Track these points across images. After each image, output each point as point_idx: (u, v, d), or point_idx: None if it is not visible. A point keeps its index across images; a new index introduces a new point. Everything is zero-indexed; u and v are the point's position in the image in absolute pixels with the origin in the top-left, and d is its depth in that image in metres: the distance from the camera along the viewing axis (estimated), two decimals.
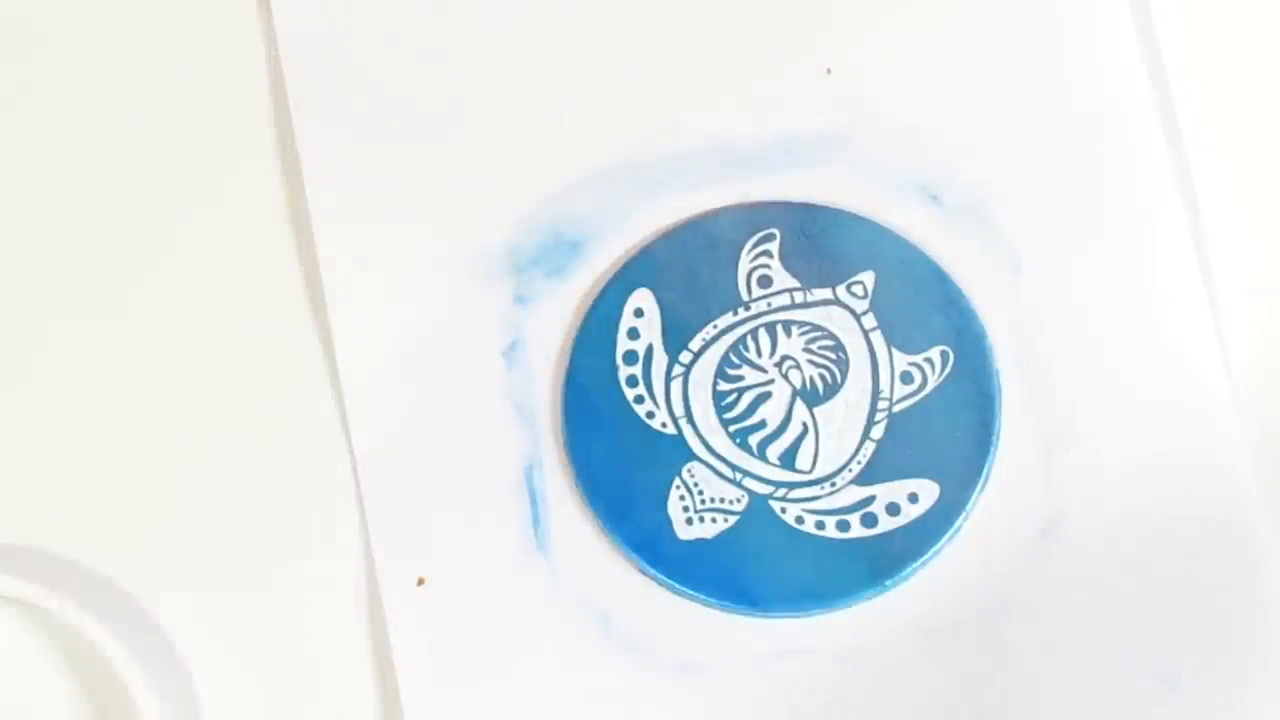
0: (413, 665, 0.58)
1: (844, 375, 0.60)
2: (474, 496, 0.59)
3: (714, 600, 0.59)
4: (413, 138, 0.61)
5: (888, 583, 0.59)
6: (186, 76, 0.62)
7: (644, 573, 0.59)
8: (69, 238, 0.61)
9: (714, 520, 0.59)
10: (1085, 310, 0.61)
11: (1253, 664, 0.58)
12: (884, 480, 0.59)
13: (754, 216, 0.61)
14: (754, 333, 0.60)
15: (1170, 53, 0.62)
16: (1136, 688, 0.58)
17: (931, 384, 0.60)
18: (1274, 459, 0.60)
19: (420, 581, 0.59)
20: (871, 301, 0.60)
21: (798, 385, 0.60)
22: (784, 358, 0.60)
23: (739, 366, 0.60)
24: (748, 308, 0.60)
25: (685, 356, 0.60)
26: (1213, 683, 0.58)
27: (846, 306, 0.60)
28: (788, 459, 0.59)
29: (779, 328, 0.60)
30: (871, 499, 0.59)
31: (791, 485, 0.59)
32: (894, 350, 0.60)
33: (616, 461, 0.59)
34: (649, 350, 0.60)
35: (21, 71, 0.62)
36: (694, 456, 0.59)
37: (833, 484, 0.59)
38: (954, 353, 0.60)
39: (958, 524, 0.59)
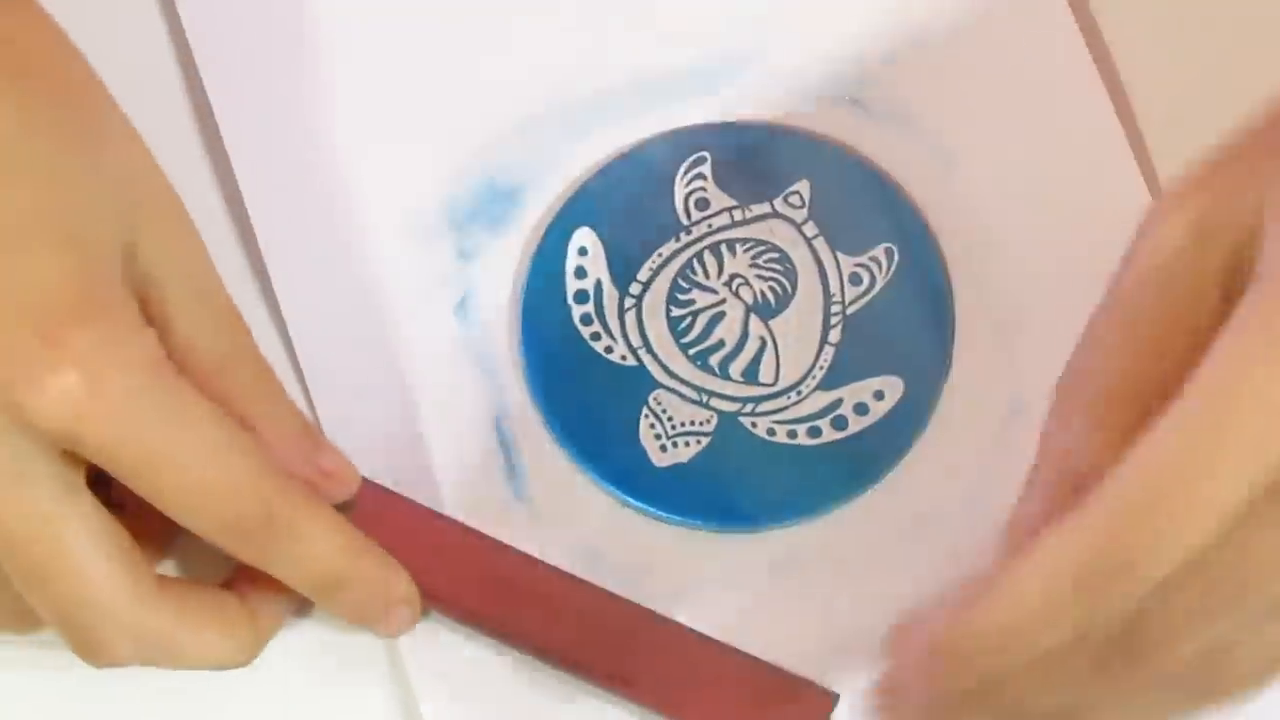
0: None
1: (794, 285, 0.60)
2: (445, 455, 0.59)
3: (699, 522, 0.59)
4: (331, 101, 0.61)
5: (866, 481, 0.59)
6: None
7: (627, 505, 0.59)
8: None
9: (687, 444, 0.59)
10: (1021, 192, 0.61)
11: None
12: (848, 382, 0.60)
13: (681, 142, 0.61)
14: (699, 256, 0.60)
15: None
16: None
17: (881, 282, 0.60)
18: None
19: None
20: (810, 210, 0.61)
21: (750, 301, 0.60)
22: (732, 276, 0.60)
23: (689, 291, 0.60)
24: (689, 232, 0.61)
25: (635, 288, 0.60)
26: None
27: (786, 218, 0.61)
28: (750, 374, 0.60)
29: (723, 247, 0.61)
30: (839, 402, 0.59)
31: (758, 399, 0.59)
32: (839, 254, 0.61)
33: (583, 400, 0.59)
34: (598, 286, 0.60)
35: None
36: (658, 385, 0.60)
37: (798, 392, 0.60)
38: (898, 249, 0.61)
39: (926, 415, 0.59)
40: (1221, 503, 0.44)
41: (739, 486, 0.59)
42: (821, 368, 0.60)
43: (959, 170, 0.61)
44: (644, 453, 0.59)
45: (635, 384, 0.59)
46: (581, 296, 0.60)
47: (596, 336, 0.60)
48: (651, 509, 0.59)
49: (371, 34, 0.62)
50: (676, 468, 0.59)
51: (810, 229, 0.61)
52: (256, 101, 0.61)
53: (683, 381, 0.59)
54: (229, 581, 0.56)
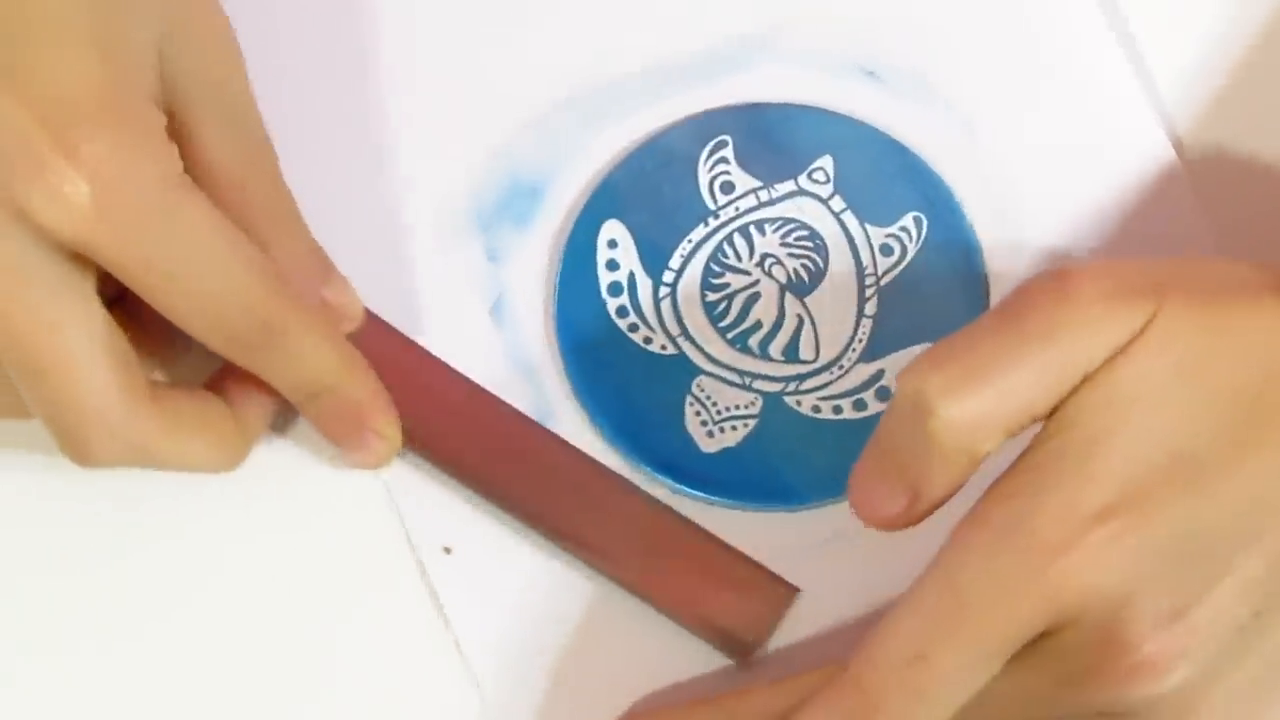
0: (461, 616, 0.57)
1: (825, 260, 0.60)
2: None
3: (751, 504, 0.58)
4: (349, 110, 0.61)
5: None
6: None
7: (678, 493, 0.58)
8: None
9: (734, 428, 0.59)
10: (1044, 151, 0.61)
11: None
12: (888, 352, 0.60)
13: (702, 127, 0.61)
14: (729, 239, 0.60)
15: None
16: None
17: (912, 251, 0.60)
18: None
19: (447, 550, 0.58)
20: (835, 184, 0.61)
21: (783, 280, 0.60)
22: (764, 256, 0.60)
23: (722, 274, 0.60)
24: (717, 216, 0.60)
25: (668, 276, 0.60)
26: None
27: (812, 194, 0.61)
28: (790, 353, 0.60)
29: (752, 229, 0.60)
30: (881, 373, 0.59)
31: (800, 378, 0.59)
32: (868, 226, 0.60)
33: (626, 393, 0.59)
34: (631, 278, 0.60)
35: None
36: (700, 371, 0.59)
37: (840, 367, 0.59)
38: (927, 217, 0.61)
39: None
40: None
41: (788, 465, 0.59)
42: (861, 340, 0.60)
43: (980, 136, 0.61)
44: (691, 440, 0.59)
45: (677, 372, 0.59)
46: (615, 289, 0.60)
47: (634, 328, 0.60)
48: (703, 495, 0.58)
49: (385, 40, 0.61)
50: (725, 452, 0.59)
51: (837, 203, 0.61)
52: (279, 114, 0.60)
53: (724, 366, 0.59)
54: (213, 381, 0.56)
